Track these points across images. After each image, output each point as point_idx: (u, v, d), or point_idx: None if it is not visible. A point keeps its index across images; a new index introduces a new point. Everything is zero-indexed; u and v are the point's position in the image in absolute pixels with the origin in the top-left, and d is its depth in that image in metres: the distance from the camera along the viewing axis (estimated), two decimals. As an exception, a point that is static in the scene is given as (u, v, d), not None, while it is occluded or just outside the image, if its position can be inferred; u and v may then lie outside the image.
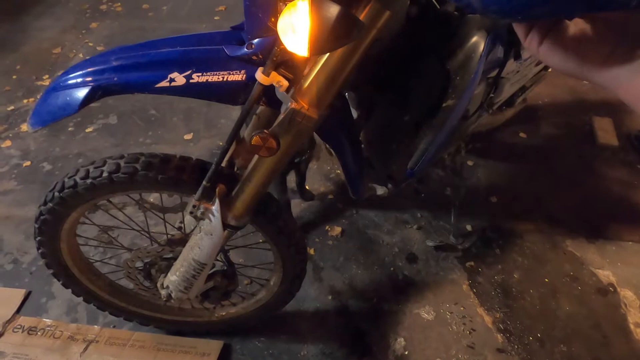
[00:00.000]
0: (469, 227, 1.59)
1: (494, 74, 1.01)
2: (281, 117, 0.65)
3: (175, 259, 1.00)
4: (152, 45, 0.72)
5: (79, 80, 0.71)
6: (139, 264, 1.06)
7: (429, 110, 0.76)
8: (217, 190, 0.80)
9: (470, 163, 1.81)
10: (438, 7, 0.68)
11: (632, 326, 1.34)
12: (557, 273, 1.47)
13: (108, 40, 2.55)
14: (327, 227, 1.59)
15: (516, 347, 1.29)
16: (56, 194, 0.90)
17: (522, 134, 1.95)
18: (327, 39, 0.46)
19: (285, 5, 0.56)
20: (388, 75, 0.76)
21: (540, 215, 1.64)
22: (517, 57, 0.97)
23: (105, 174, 0.86)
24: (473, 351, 1.28)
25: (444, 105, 0.74)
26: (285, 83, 0.62)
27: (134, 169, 0.86)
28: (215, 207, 0.80)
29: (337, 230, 1.58)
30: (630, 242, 1.57)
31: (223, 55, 0.68)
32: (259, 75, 0.61)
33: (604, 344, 1.30)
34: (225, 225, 0.82)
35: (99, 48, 2.49)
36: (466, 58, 0.72)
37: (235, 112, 2.06)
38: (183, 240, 1.04)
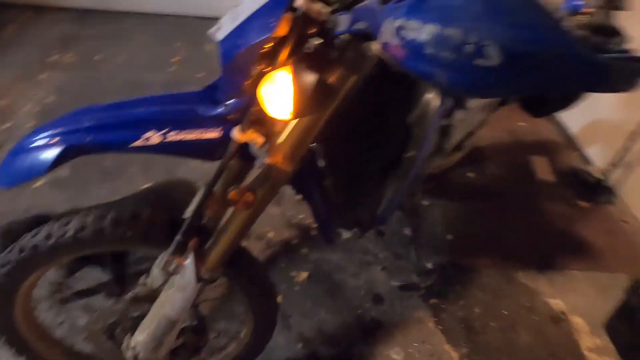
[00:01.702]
0: (429, 265, 1.65)
1: (444, 122, 1.10)
2: (257, 172, 0.68)
3: (142, 317, 0.97)
4: (125, 106, 0.73)
5: (48, 141, 0.71)
6: (102, 325, 1.01)
7: (394, 160, 0.83)
8: (190, 244, 0.80)
9: (426, 203, 1.90)
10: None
11: (585, 352, 1.42)
12: (515, 305, 1.55)
13: (59, 92, 2.49)
14: (293, 273, 1.59)
15: (483, 381, 1.33)
16: (13, 257, 0.86)
17: (470, 174, 2.09)
18: (308, 104, 0.51)
19: (259, 70, 0.61)
20: (353, 129, 0.82)
21: (494, 250, 1.74)
22: (464, 106, 1.07)
23: (70, 233, 0.84)
24: (443, 389, 1.30)
25: (407, 155, 0.81)
26: (261, 140, 0.66)
27: (101, 227, 0.85)
28: (190, 261, 0.80)
29: (304, 275, 1.59)
30: (574, 271, 1.69)
31: (198, 114, 0.71)
32: (236, 133, 0.64)
33: (563, 371, 1.37)
34: (199, 279, 0.82)
35: (49, 100, 2.43)
36: (423, 112, 0.79)
37: (195, 161, 2.06)
38: (150, 296, 1.01)
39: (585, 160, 2.25)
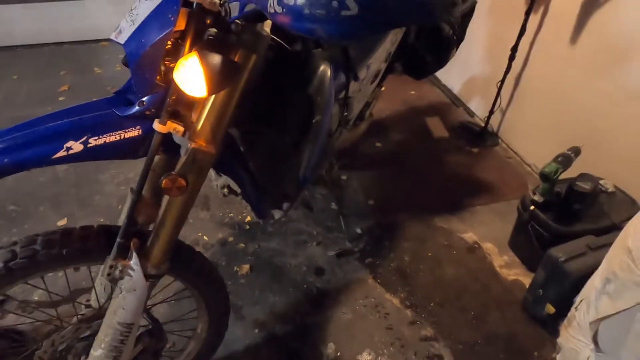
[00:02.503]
0: (359, 230, 1.80)
1: (342, 95, 1.24)
2: (184, 158, 0.74)
3: (94, 335, 0.97)
4: (36, 123, 0.74)
5: (-43, 173, 0.70)
6: (51, 356, 0.99)
7: (303, 128, 0.93)
8: (132, 244, 0.83)
9: (344, 177, 2.05)
10: (288, 47, 0.85)
11: (498, 268, 1.67)
12: (436, 246, 1.75)
13: None
14: (235, 268, 1.64)
15: (423, 315, 1.50)
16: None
17: (378, 144, 2.28)
18: (218, 80, 0.58)
19: (168, 66, 0.67)
20: (263, 110, 0.91)
21: (410, 205, 1.94)
22: (356, 78, 1.21)
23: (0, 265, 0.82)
24: (392, 331, 1.45)
25: (314, 121, 0.91)
26: (181, 128, 0.72)
27: (33, 251, 0.84)
28: (134, 261, 0.83)
29: (246, 267, 1.64)
30: (478, 207, 1.95)
31: (115, 116, 0.74)
32: (157, 125, 0.69)
33: (484, 289, 1.59)
34: (147, 277, 0.85)
35: None
36: (320, 82, 0.90)
37: (109, 186, 2.00)
38: (97, 314, 1.01)
39: (470, 113, 2.57)
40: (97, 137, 0.72)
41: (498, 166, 2.19)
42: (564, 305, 1.30)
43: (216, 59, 0.58)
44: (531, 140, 2.17)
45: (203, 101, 0.74)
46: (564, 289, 1.34)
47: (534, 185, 1.62)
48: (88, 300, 1.12)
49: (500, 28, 2.23)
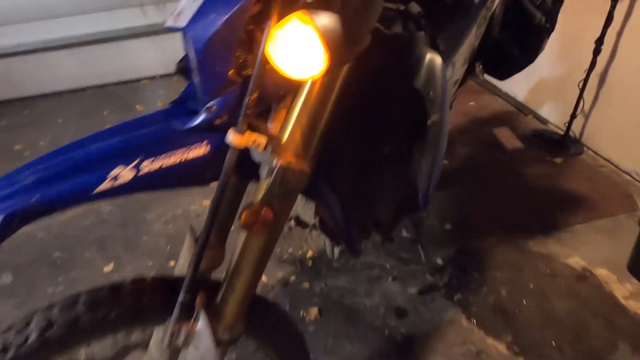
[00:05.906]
0: (439, 261, 1.54)
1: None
2: (268, 180, 0.53)
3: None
4: (80, 145, 0.57)
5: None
6: None
7: (415, 132, 0.71)
8: (198, 301, 0.63)
9: (412, 200, 1.81)
10: (386, 31, 0.66)
11: (622, 300, 1.36)
12: (536, 275, 1.47)
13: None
14: (302, 313, 1.41)
15: (540, 364, 1.21)
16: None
17: (444, 161, 2.04)
18: (344, 47, 0.38)
19: (241, 55, 0.48)
20: (354, 110, 0.70)
21: (494, 227, 1.67)
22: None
23: (33, 337, 0.64)
24: (505, 387, 1.16)
25: (429, 122, 0.70)
26: (263, 140, 0.52)
27: (74, 316, 0.65)
28: (202, 323, 0.62)
29: (314, 311, 1.41)
30: (577, 225, 1.65)
31: (174, 131, 0.55)
32: (232, 136, 0.50)
33: (610, 326, 1.28)
34: (218, 342, 0.64)
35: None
36: (430, 73, 0.69)
37: (156, 225, 1.85)
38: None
39: (542, 120, 2.29)
40: (151, 160, 0.53)
41: (589, 176, 1.89)
42: None
43: (334, 19, 0.38)
44: (625, 144, 1.87)
45: (288, 103, 0.55)
46: None
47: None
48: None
49: (578, 19, 1.98)
